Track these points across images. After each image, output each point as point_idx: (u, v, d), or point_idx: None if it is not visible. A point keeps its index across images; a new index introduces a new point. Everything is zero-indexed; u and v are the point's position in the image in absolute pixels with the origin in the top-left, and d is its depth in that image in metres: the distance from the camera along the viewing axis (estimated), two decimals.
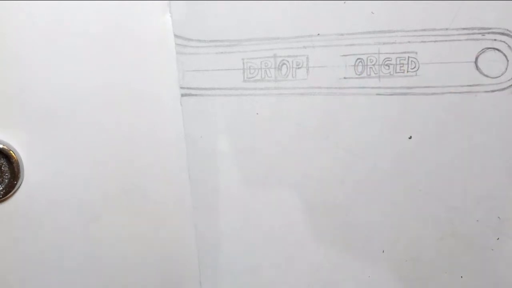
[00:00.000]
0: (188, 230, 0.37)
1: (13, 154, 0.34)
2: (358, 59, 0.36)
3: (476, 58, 0.35)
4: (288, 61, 0.36)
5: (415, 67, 0.35)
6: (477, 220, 0.37)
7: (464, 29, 0.35)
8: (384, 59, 0.35)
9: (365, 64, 0.36)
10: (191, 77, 0.35)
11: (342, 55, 0.36)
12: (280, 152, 0.36)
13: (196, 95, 0.36)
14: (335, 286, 0.38)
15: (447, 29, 0.35)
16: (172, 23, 0.35)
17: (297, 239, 0.37)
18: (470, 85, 0.35)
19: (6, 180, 0.35)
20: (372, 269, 0.38)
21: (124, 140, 0.35)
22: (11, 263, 0.36)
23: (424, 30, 0.35)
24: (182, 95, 0.36)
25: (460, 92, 0.35)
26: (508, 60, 0.35)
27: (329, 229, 0.37)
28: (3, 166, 0.34)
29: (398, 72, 0.36)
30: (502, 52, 0.35)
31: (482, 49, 0.35)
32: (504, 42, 0.35)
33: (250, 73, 0.36)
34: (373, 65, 0.36)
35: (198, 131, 0.36)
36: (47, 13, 0.34)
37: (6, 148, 0.34)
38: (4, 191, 0.35)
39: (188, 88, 0.36)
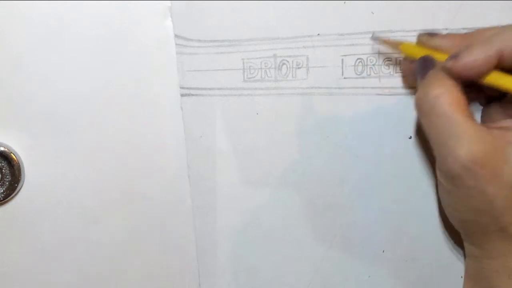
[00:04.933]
0: (188, 230, 0.37)
1: (14, 157, 0.35)
2: (358, 59, 0.35)
3: None
4: (288, 61, 0.36)
5: None
6: None
7: (464, 29, 0.34)
8: (384, 59, 0.35)
9: (365, 64, 0.35)
10: (191, 77, 0.35)
11: (342, 55, 0.35)
12: (280, 152, 0.36)
13: (196, 95, 0.36)
14: (335, 286, 0.38)
15: (447, 29, 0.35)
16: (172, 23, 0.35)
17: (297, 239, 0.37)
18: None
19: (7, 183, 0.35)
20: (372, 269, 0.38)
21: (124, 140, 0.36)
22: (11, 264, 0.37)
23: (424, 30, 0.35)
24: (182, 95, 0.36)
25: None
26: None
27: (329, 229, 0.37)
28: (4, 168, 0.35)
29: (398, 72, 0.35)
30: None
31: None
32: None
33: (250, 73, 0.36)
34: (373, 65, 0.35)
35: (198, 131, 0.36)
36: (49, 16, 0.34)
37: (7, 150, 0.35)
38: (5, 193, 0.35)
39: (188, 88, 0.36)
